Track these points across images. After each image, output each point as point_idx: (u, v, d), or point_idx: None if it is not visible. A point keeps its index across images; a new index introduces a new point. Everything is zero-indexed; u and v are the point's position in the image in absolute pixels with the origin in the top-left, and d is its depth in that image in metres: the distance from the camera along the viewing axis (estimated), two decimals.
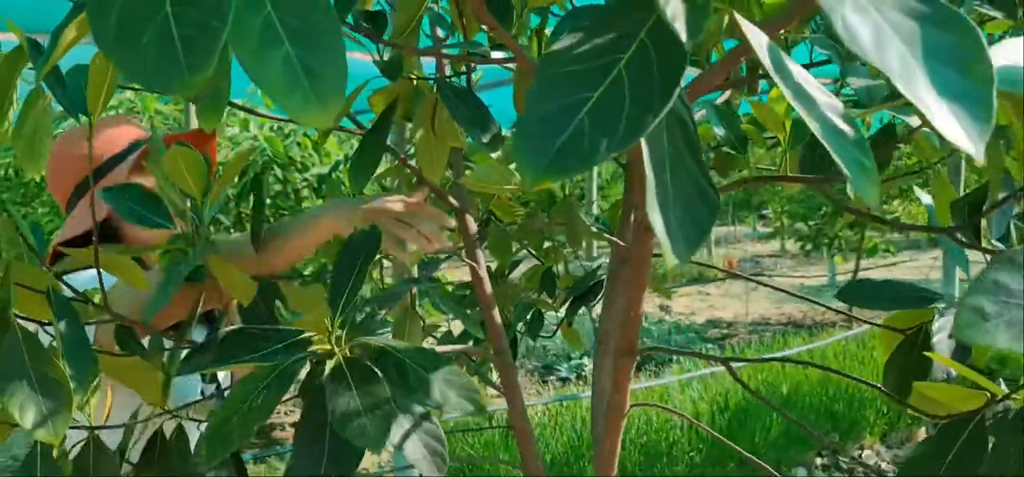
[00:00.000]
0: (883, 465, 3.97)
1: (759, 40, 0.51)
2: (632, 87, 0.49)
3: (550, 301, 1.81)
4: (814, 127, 0.49)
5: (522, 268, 1.84)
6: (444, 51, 0.99)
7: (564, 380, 5.59)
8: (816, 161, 0.94)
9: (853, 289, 1.05)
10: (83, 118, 0.80)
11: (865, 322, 1.09)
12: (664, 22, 0.48)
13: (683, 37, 0.47)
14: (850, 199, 1.09)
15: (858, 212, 1.07)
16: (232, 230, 4.05)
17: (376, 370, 0.82)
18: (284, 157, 3.59)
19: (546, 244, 1.84)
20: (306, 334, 0.84)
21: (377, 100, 1.02)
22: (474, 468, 3.31)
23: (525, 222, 1.39)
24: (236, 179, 3.96)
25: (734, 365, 1.09)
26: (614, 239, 1.26)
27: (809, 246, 8.71)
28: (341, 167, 3.73)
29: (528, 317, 1.75)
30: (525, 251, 1.83)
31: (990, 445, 0.77)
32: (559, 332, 1.81)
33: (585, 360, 5.82)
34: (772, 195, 8.71)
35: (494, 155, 0.95)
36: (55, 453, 0.84)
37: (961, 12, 0.45)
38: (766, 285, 1.28)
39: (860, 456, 4.16)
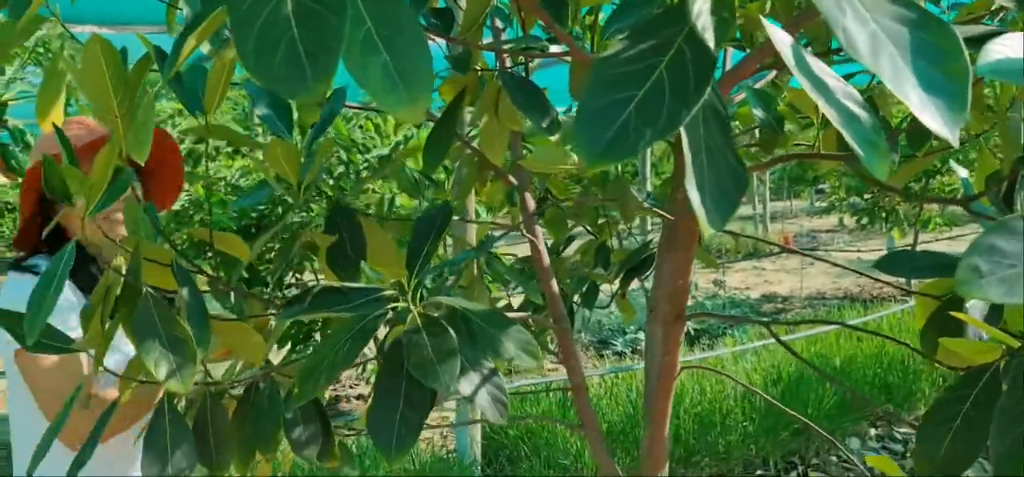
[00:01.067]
0: None
1: (782, 39, 0.61)
2: (671, 85, 0.59)
3: (604, 274, 1.91)
4: (830, 114, 0.59)
5: (576, 244, 1.94)
6: (507, 47, 1.10)
7: (619, 353, 5.70)
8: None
9: (890, 259, 1.13)
10: (199, 114, 0.93)
11: (912, 293, 1.16)
12: (696, 32, 0.59)
13: (711, 45, 0.57)
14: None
15: (891, 188, 1.14)
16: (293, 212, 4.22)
17: (447, 326, 0.94)
18: (347, 139, 3.75)
19: (600, 220, 1.94)
20: (386, 292, 0.96)
21: (446, 89, 1.13)
22: (536, 428, 3.44)
23: (579, 199, 1.49)
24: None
25: (781, 335, 1.18)
26: (663, 213, 1.35)
27: (866, 220, 8.61)
28: (400, 147, 3.87)
29: (584, 289, 1.85)
30: (580, 227, 1.93)
31: (1003, 389, 0.86)
32: (614, 304, 1.91)
33: (640, 334, 5.90)
34: (829, 169, 8.62)
35: (552, 138, 1.05)
36: (181, 404, 0.97)
37: (940, 15, 0.54)
38: (821, 260, 1.36)
39: (916, 426, 4.18)
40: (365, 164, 4.12)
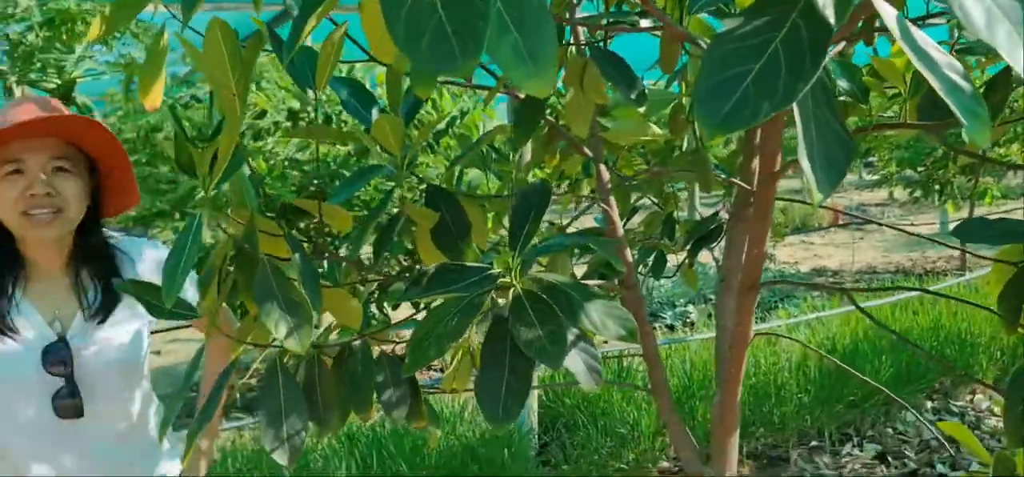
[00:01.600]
0: (996, 410, 3.96)
1: (889, 12, 0.64)
2: (787, 59, 0.63)
3: (670, 244, 1.95)
4: (935, 84, 0.62)
5: (638, 216, 1.98)
6: (601, 23, 1.13)
7: (670, 327, 5.72)
8: (934, 109, 1.05)
9: (967, 226, 1.15)
10: (310, 91, 0.98)
11: (981, 257, 1.18)
12: (814, 6, 0.62)
13: (832, 21, 0.60)
14: (965, 144, 1.18)
15: (973, 155, 1.16)
16: None
17: (549, 300, 0.99)
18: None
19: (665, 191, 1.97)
20: (491, 270, 1.01)
21: None
22: (593, 397, 3.49)
23: (656, 170, 1.53)
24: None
25: (836, 305, 1.21)
26: (739, 183, 1.38)
27: (919, 193, 8.47)
28: (457, 123, 3.92)
29: (651, 259, 1.89)
30: (645, 199, 1.97)
31: None
32: (679, 274, 1.94)
33: (690, 307, 5.91)
34: (879, 142, 8.47)
35: (640, 109, 1.09)
36: (290, 361, 1.04)
37: None
38: (880, 223, 1.38)
39: (971, 401, 4.15)
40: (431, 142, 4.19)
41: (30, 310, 1.39)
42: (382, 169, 1.16)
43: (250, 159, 4.11)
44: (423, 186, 1.30)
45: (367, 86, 1.31)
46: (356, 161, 4.31)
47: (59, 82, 3.80)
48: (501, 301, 1.10)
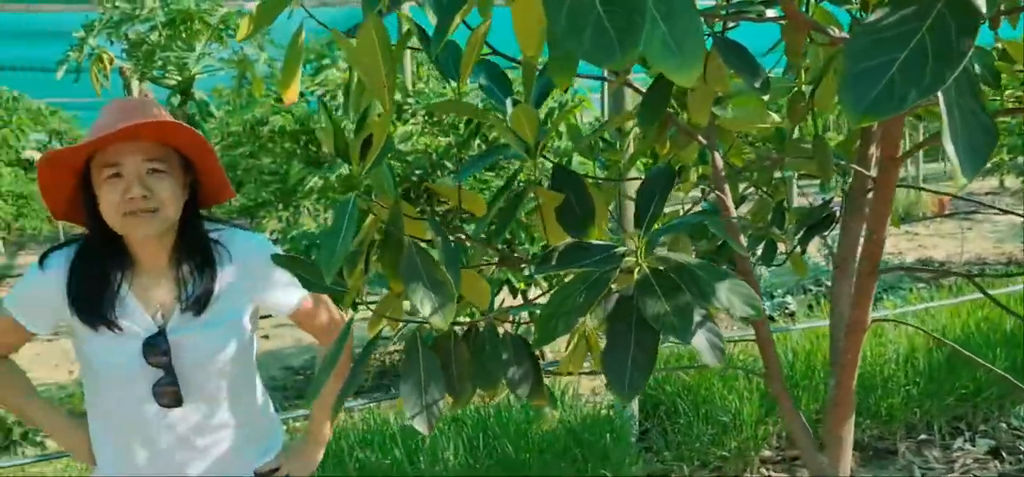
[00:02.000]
0: None
1: None
2: (934, 47, 0.65)
3: (780, 232, 1.96)
4: None
5: (744, 207, 1.99)
6: (724, 13, 1.16)
7: (770, 317, 5.64)
8: None
9: None
10: (452, 82, 1.05)
11: None
12: None
13: (983, 10, 0.63)
14: None
15: None
16: (450, 176, 4.40)
17: (675, 277, 1.03)
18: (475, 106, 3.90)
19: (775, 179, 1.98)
20: (618, 249, 1.06)
21: None
22: (694, 385, 3.50)
23: (773, 157, 1.54)
24: (462, 128, 4.31)
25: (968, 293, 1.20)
26: (859, 169, 1.39)
27: None
28: (555, 114, 3.96)
29: (760, 247, 1.90)
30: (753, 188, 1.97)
31: None
32: (778, 265, 1.94)
33: (788, 298, 5.82)
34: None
35: (764, 97, 1.11)
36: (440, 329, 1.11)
37: None
38: (995, 209, 1.36)
39: None
40: None
41: (134, 304, 1.44)
42: (507, 150, 1.22)
43: None
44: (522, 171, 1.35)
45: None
46: (457, 152, 4.42)
47: (179, 78, 4.01)
48: (620, 285, 1.14)
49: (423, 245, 1.09)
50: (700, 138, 1.46)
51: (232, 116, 6.30)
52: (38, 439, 4.30)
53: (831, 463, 1.55)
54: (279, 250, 1.56)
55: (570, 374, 1.59)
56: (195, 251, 1.49)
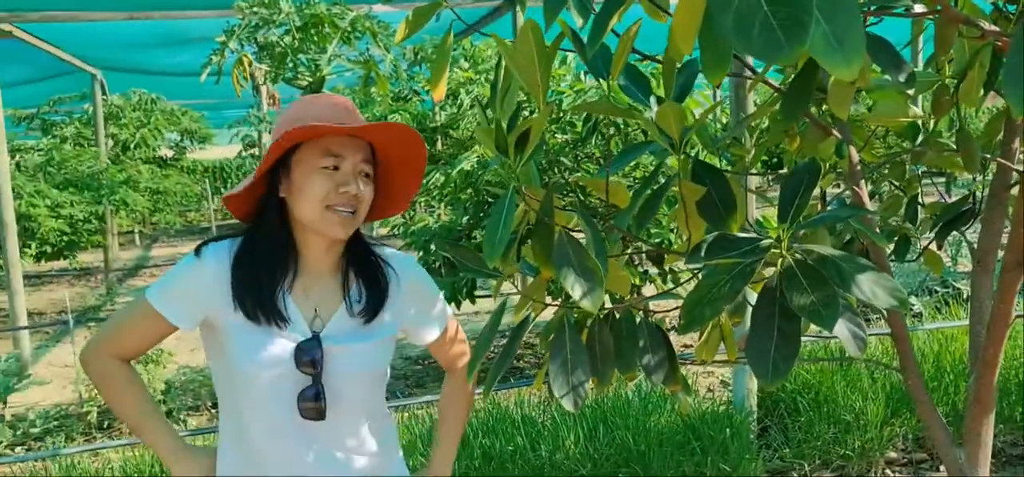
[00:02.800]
0: None
1: None
2: None
3: (912, 227, 1.93)
4: None
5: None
6: (871, 8, 1.18)
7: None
8: None
9: None
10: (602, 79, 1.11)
11: None
12: None
13: None
14: None
15: None
16: (568, 173, 4.47)
17: (819, 269, 1.06)
18: (623, 101, 3.94)
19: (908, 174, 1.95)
20: (763, 241, 1.09)
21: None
22: (815, 383, 3.46)
23: (917, 150, 1.54)
24: (579, 125, 4.38)
25: None
26: (1004, 162, 1.37)
27: None
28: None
29: (894, 242, 1.89)
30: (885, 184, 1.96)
31: None
32: (910, 261, 1.92)
33: (912, 299, 5.61)
34: None
35: (909, 91, 1.13)
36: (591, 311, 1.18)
37: None
38: None
39: None
40: (637, 127, 4.29)
41: (293, 306, 1.38)
42: (650, 146, 1.27)
43: (476, 146, 4.38)
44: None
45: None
46: (572, 149, 4.49)
47: (311, 79, 4.23)
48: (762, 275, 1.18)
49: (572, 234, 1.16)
50: (833, 132, 1.48)
51: None
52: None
53: (969, 462, 1.53)
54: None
55: (703, 362, 1.63)
56: (364, 261, 1.46)
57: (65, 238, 7.54)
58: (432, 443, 1.68)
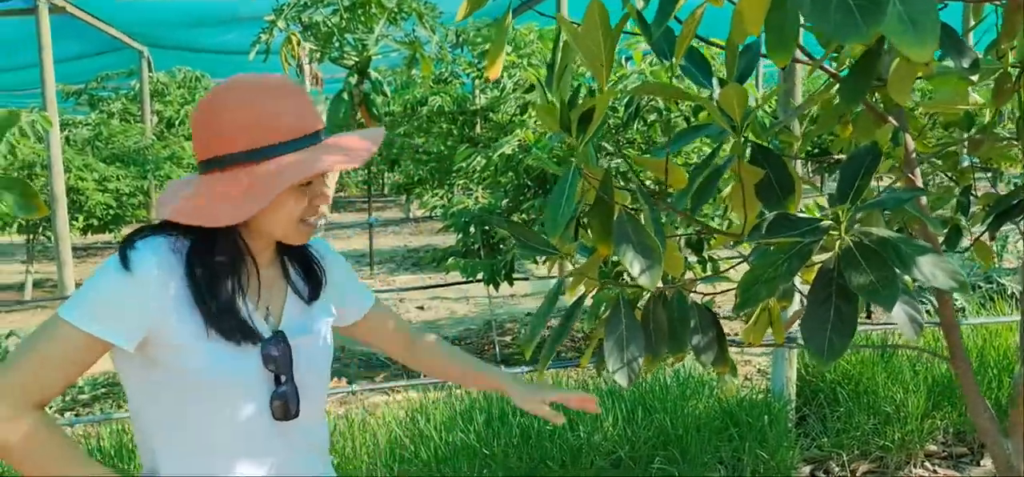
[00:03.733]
0: None
1: None
2: None
3: (963, 219, 1.93)
4: None
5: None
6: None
7: (936, 308, 5.41)
8: None
9: None
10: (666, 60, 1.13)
11: None
12: None
13: None
14: None
15: None
16: (610, 158, 4.47)
17: (878, 250, 1.07)
18: (667, 85, 3.93)
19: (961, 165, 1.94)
20: (824, 222, 1.11)
21: None
22: (855, 374, 3.45)
23: (975, 137, 1.53)
24: (620, 110, 4.38)
25: None
26: None
27: None
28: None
29: (945, 232, 1.89)
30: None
31: None
32: (960, 252, 1.91)
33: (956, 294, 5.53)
34: None
35: (973, 78, 1.13)
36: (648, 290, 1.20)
37: None
38: None
39: None
40: (678, 113, 4.28)
41: (251, 309, 1.28)
42: (709, 128, 1.29)
43: (517, 130, 4.40)
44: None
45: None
46: (614, 134, 4.49)
47: (357, 59, 4.27)
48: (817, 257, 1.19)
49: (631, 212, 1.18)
50: (889, 119, 1.48)
51: (395, 96, 6.61)
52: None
53: (1015, 452, 1.53)
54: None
55: (751, 345, 1.64)
56: (295, 249, 1.40)
57: (111, 212, 7.70)
58: (477, 381, 1.61)
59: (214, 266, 1.22)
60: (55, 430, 1.17)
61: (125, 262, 1.17)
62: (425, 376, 1.57)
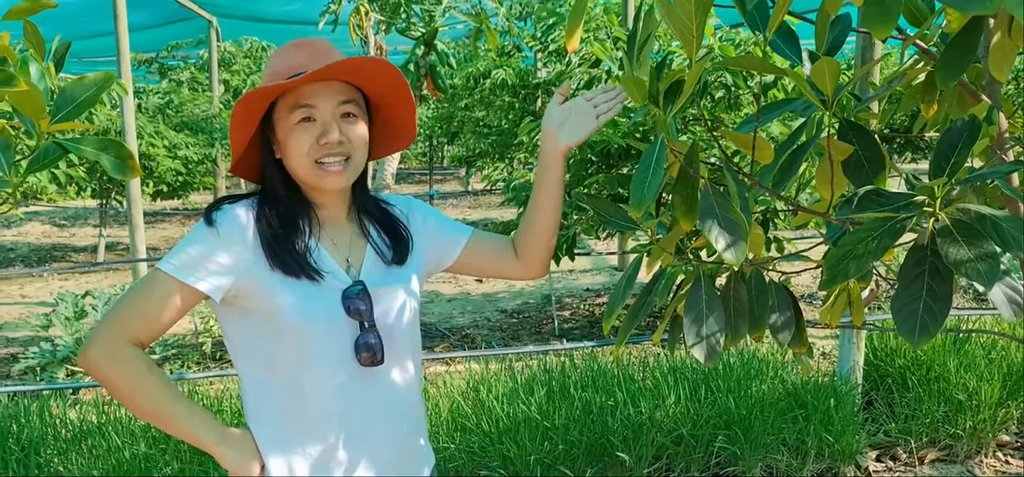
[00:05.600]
0: None
1: None
2: None
3: None
4: None
5: None
6: None
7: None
8: None
9: None
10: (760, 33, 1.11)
11: None
12: None
13: None
14: None
15: None
16: (685, 132, 4.41)
17: (978, 227, 1.04)
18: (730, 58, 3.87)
19: None
20: (917, 199, 1.08)
21: (956, 16, 1.20)
22: (926, 360, 3.37)
23: None
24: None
25: None
26: None
27: None
28: (785, 78, 3.88)
29: None
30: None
31: None
32: None
33: None
34: None
35: None
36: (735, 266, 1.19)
37: None
38: None
39: None
40: (747, 89, 4.21)
41: (325, 256, 1.35)
42: (795, 102, 1.26)
43: None
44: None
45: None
46: (680, 111, 4.45)
47: (424, 30, 4.29)
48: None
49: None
50: (981, 96, 1.43)
51: (457, 69, 6.62)
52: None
53: None
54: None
55: (829, 326, 1.61)
56: (372, 205, 1.45)
57: (180, 178, 7.90)
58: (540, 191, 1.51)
59: (278, 214, 1.32)
60: (153, 368, 1.28)
61: (211, 220, 1.29)
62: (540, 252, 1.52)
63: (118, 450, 2.87)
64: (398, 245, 1.43)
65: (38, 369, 4.26)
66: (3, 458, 2.88)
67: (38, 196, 6.68)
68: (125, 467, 2.83)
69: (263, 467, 1.33)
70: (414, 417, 1.44)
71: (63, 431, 3.04)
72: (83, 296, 4.68)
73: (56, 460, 2.93)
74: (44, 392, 3.36)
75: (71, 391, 3.87)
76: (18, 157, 1.18)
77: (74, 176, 6.46)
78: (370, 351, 1.31)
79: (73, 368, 4.26)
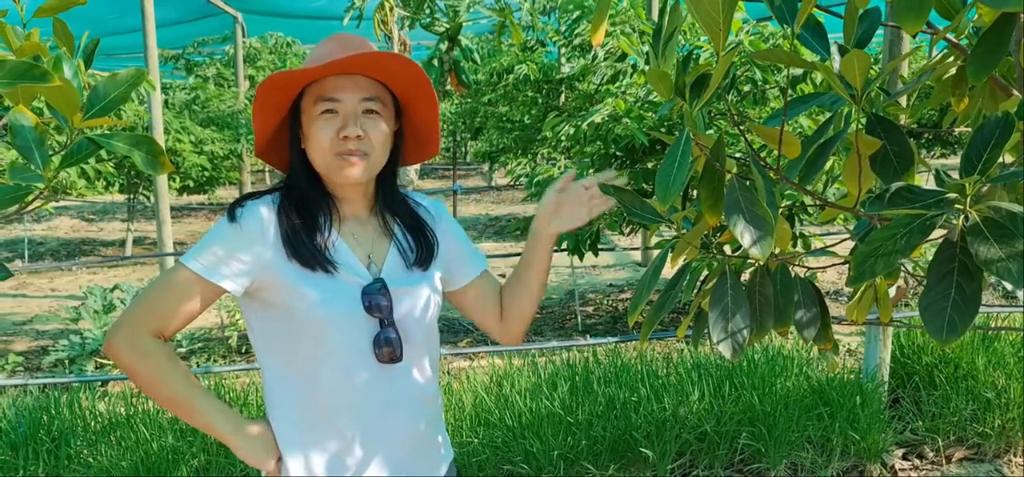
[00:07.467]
0: None
1: None
2: None
3: None
4: None
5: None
6: None
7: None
8: None
9: None
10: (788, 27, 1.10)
11: None
12: None
13: None
14: None
15: None
16: (711, 127, 4.39)
17: (1010, 226, 1.03)
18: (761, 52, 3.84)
19: None
20: (948, 195, 1.07)
21: (988, 10, 1.19)
22: (955, 358, 3.34)
23: None
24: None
25: None
26: None
27: None
28: (813, 73, 3.85)
29: None
30: None
31: None
32: None
33: None
34: None
35: None
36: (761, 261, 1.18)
37: None
38: None
39: None
40: (775, 83, 4.18)
41: (345, 250, 1.36)
42: (822, 96, 1.25)
43: (608, 99, 4.37)
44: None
45: None
46: (706, 105, 4.43)
47: (448, 26, 4.29)
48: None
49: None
50: (1010, 89, 1.41)
51: (481, 64, 6.63)
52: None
53: None
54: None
55: (854, 323, 1.60)
56: (399, 204, 1.46)
57: (206, 174, 7.98)
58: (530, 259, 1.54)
59: (299, 205, 1.34)
60: (174, 359, 1.31)
61: (234, 217, 1.32)
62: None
63: (146, 442, 2.91)
64: (422, 248, 1.44)
65: (68, 361, 4.33)
66: (34, 449, 2.93)
67: (67, 191, 6.78)
68: (153, 459, 2.86)
69: (280, 461, 1.35)
70: (432, 414, 1.45)
71: (93, 423, 3.09)
72: (112, 290, 4.74)
73: (86, 452, 2.97)
74: (74, 384, 3.41)
75: (100, 384, 3.92)
76: (50, 153, 1.20)
77: (103, 171, 6.54)
78: (389, 347, 1.32)
79: (102, 361, 4.32)
